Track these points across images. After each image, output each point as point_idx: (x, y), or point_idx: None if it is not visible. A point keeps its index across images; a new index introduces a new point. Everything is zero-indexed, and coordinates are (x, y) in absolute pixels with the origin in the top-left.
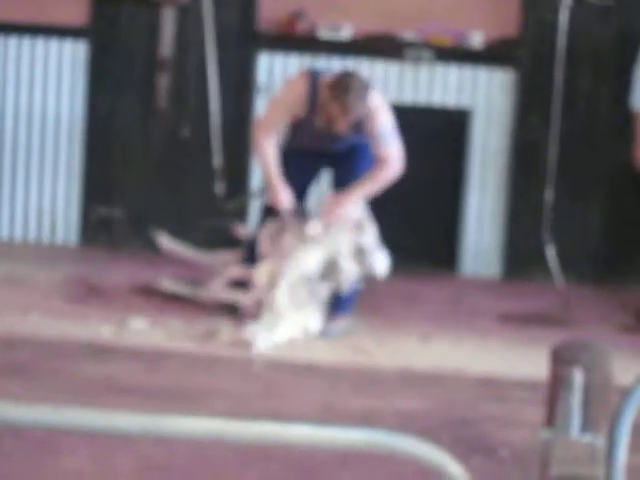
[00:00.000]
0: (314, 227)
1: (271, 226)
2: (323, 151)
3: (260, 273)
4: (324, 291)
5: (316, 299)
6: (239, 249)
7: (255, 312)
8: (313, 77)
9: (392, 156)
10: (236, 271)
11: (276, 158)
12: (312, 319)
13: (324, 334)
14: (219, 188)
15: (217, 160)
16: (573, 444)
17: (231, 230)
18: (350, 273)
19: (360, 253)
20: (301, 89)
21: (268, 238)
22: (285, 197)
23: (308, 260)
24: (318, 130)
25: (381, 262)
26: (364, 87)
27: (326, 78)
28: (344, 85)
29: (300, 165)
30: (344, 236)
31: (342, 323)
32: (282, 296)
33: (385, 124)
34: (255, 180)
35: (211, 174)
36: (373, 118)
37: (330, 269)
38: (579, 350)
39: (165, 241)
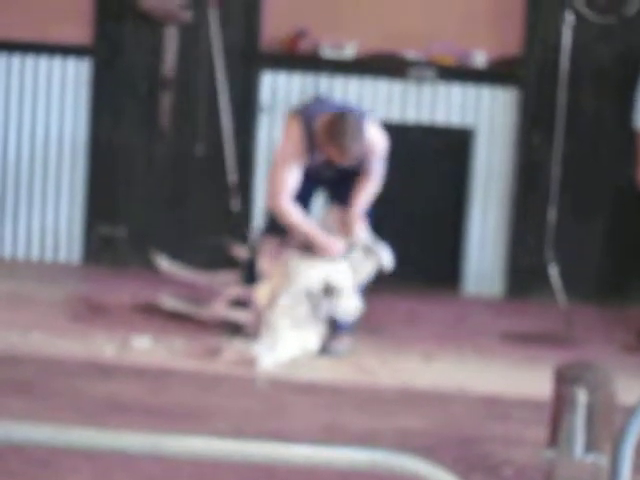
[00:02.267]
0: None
1: (271, 242)
2: (319, 176)
3: (260, 292)
4: (325, 309)
5: (317, 317)
6: (238, 269)
7: (256, 331)
8: (306, 120)
9: (377, 172)
10: (236, 291)
11: (305, 216)
12: (312, 337)
13: (328, 352)
14: (234, 205)
15: (231, 177)
16: (577, 464)
17: (228, 250)
18: (348, 293)
19: (368, 249)
20: (298, 134)
21: (268, 255)
22: (338, 246)
23: (309, 277)
24: (322, 164)
25: (386, 254)
26: (359, 127)
27: (319, 119)
28: (339, 129)
29: (302, 185)
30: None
31: (346, 341)
32: (281, 314)
33: (381, 152)
34: (258, 199)
35: (215, 192)
36: (372, 149)
37: (328, 288)
38: (583, 370)
39: (164, 263)
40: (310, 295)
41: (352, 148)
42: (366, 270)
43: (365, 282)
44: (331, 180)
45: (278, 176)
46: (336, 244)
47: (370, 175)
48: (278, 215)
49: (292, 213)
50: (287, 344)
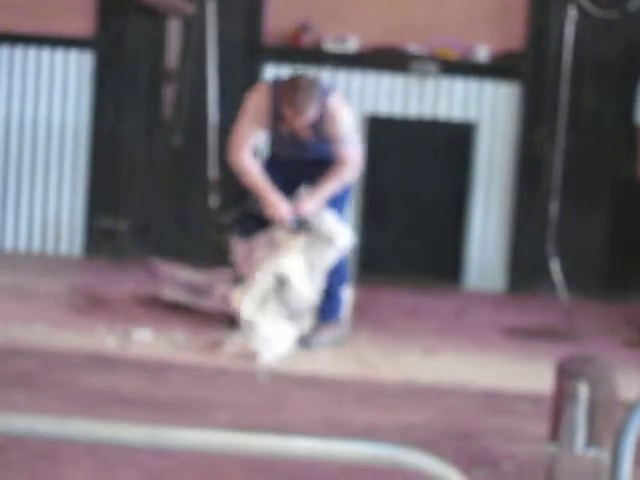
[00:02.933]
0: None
1: (242, 246)
2: (297, 161)
3: (237, 295)
4: (299, 301)
5: (288, 309)
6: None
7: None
8: (273, 86)
9: (351, 157)
10: (223, 289)
11: (259, 170)
12: (286, 329)
13: (308, 344)
14: (213, 201)
15: (212, 172)
16: (578, 458)
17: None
18: (302, 288)
19: (324, 235)
20: (263, 97)
21: (241, 258)
22: (285, 209)
23: (278, 269)
24: (286, 137)
25: (345, 235)
26: (312, 86)
27: (283, 82)
28: (292, 86)
29: (279, 176)
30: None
31: (329, 333)
32: (254, 312)
33: (344, 126)
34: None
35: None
36: (332, 120)
37: (281, 283)
38: (584, 364)
39: (162, 267)
40: (278, 289)
41: (304, 105)
42: (327, 257)
43: (328, 269)
44: (307, 170)
45: (238, 131)
46: (284, 207)
47: (342, 160)
48: (235, 169)
49: (248, 167)
50: (281, 337)
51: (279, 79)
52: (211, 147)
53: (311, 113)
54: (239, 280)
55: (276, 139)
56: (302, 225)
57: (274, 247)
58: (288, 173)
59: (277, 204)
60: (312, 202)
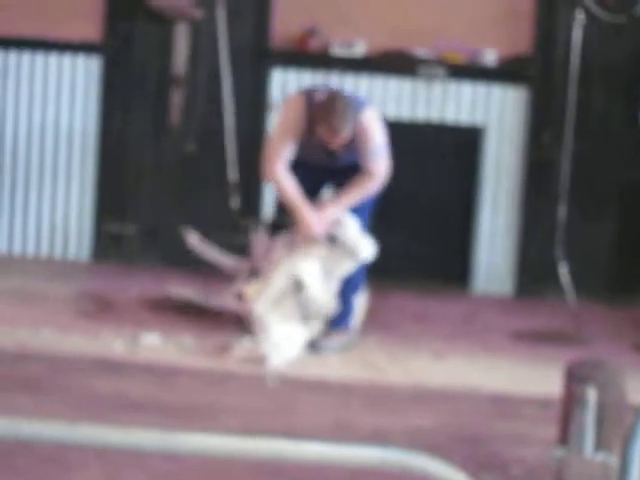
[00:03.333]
0: (366, 249)
1: (262, 242)
2: (325, 167)
3: (251, 291)
4: (315, 306)
5: (304, 312)
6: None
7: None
8: (308, 96)
9: (378, 172)
10: (239, 286)
11: (295, 185)
12: (298, 333)
13: (317, 349)
14: (234, 202)
15: (232, 175)
16: (587, 462)
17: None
18: (316, 292)
19: (346, 246)
20: (299, 109)
21: (259, 254)
22: (317, 224)
23: (293, 270)
24: (317, 147)
25: (367, 248)
26: (349, 107)
27: (318, 98)
28: (329, 107)
29: (304, 179)
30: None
31: (338, 339)
32: (268, 310)
33: (376, 141)
34: (267, 197)
35: (223, 190)
36: (364, 134)
37: (296, 286)
38: (593, 369)
39: (194, 240)
40: (295, 291)
41: (340, 127)
42: (344, 267)
43: (343, 278)
44: (335, 176)
45: (274, 145)
46: (318, 224)
47: (369, 172)
48: (270, 182)
49: (284, 182)
50: (291, 340)
51: (313, 91)
52: (229, 150)
53: (346, 134)
54: (255, 274)
55: (305, 146)
56: (330, 240)
57: (293, 249)
58: (313, 177)
59: (311, 222)
60: (333, 210)
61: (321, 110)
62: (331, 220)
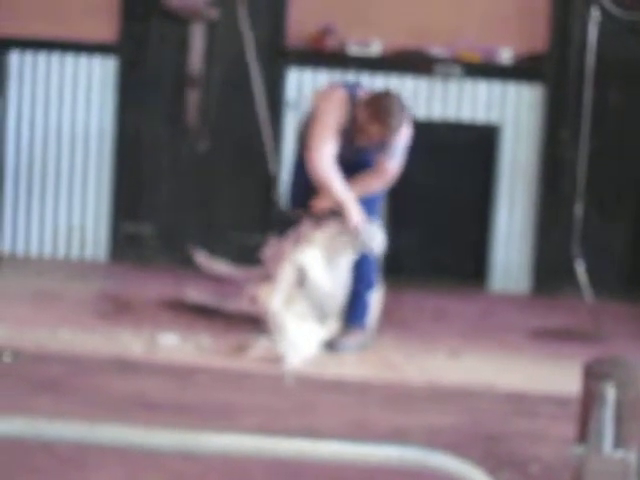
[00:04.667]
0: (377, 243)
1: (273, 243)
2: (343, 163)
3: (264, 292)
4: (320, 295)
5: (321, 311)
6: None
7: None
8: (350, 91)
9: (390, 171)
10: (252, 290)
11: (341, 179)
12: (315, 332)
13: (335, 348)
14: (275, 195)
15: (272, 167)
16: (605, 460)
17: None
18: (320, 280)
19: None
20: (343, 102)
21: (271, 255)
22: (362, 220)
23: (296, 261)
24: (343, 141)
25: (375, 238)
26: (403, 109)
27: (363, 95)
28: (386, 107)
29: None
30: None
31: (355, 338)
32: (281, 311)
33: (402, 143)
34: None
35: (241, 189)
36: (397, 136)
37: (301, 276)
38: (611, 366)
39: (201, 257)
40: (309, 288)
41: (396, 128)
42: (348, 255)
43: (350, 267)
44: (349, 168)
45: (321, 137)
46: (360, 215)
47: (381, 169)
48: (316, 177)
49: (332, 176)
50: (308, 339)
51: (355, 87)
52: (267, 143)
53: (396, 134)
54: (267, 278)
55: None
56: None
57: (299, 242)
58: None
59: (357, 215)
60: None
61: (374, 108)
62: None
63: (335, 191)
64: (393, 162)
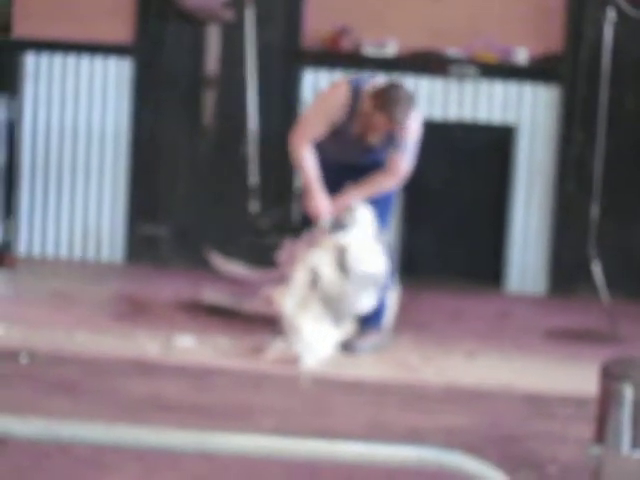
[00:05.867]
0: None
1: (287, 247)
2: (350, 163)
3: (278, 295)
4: (341, 302)
5: (336, 312)
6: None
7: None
8: (355, 85)
9: (401, 169)
10: (267, 291)
11: (315, 165)
12: (331, 333)
13: (351, 349)
14: (253, 206)
15: (253, 179)
16: (624, 460)
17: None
18: (333, 282)
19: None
20: (342, 96)
21: (285, 259)
22: (324, 206)
23: (310, 262)
24: (350, 139)
25: (365, 302)
26: (411, 99)
27: (369, 87)
28: (392, 96)
29: (326, 176)
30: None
31: (371, 339)
32: (290, 306)
33: (412, 138)
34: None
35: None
36: (406, 131)
37: (314, 278)
38: (629, 366)
39: (218, 259)
40: (323, 290)
41: (401, 118)
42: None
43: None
44: (357, 173)
45: (306, 122)
46: (325, 206)
47: (393, 168)
48: (292, 156)
49: (305, 158)
50: (324, 341)
51: (361, 81)
52: (251, 153)
53: (402, 125)
54: (283, 280)
55: (337, 138)
56: (337, 227)
57: (313, 244)
58: (337, 176)
59: (320, 201)
60: (348, 197)
61: (380, 98)
62: (342, 205)
63: (304, 175)
64: (405, 159)
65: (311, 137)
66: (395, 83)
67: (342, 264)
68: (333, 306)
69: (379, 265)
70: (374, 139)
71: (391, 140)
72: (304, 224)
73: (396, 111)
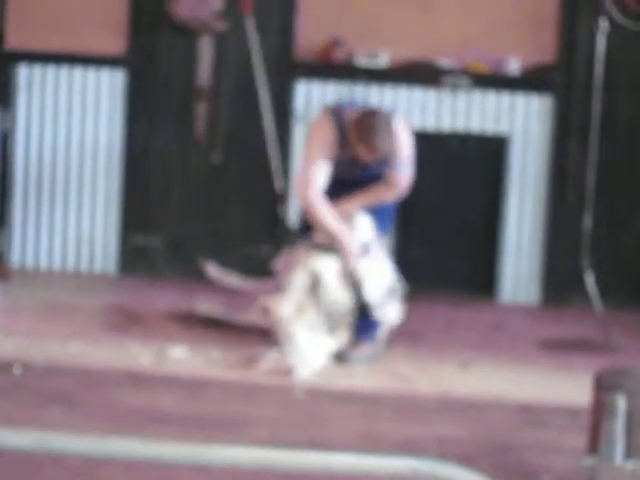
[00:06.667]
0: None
1: (284, 255)
2: (350, 180)
3: (275, 303)
4: (339, 310)
5: (326, 318)
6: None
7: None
8: (336, 116)
9: (400, 183)
10: (264, 301)
11: (331, 210)
12: (325, 343)
13: (345, 359)
14: (281, 211)
15: (279, 184)
16: (617, 470)
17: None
18: (335, 290)
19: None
20: (329, 133)
21: (282, 266)
22: (356, 247)
23: (312, 266)
24: (347, 163)
25: (392, 313)
26: (388, 125)
27: (351, 115)
28: (369, 126)
29: (330, 192)
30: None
31: (365, 350)
32: (291, 322)
33: (405, 151)
34: (295, 207)
35: (250, 202)
36: (396, 146)
37: (315, 283)
38: (622, 376)
39: (212, 269)
40: (322, 294)
41: (381, 146)
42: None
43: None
44: (358, 183)
45: (309, 170)
46: (355, 244)
47: (392, 182)
48: (306, 208)
49: (319, 206)
50: (318, 351)
51: (340, 109)
52: (273, 159)
53: (385, 151)
54: (280, 290)
55: (336, 163)
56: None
57: (312, 249)
58: (337, 189)
59: (350, 243)
60: (347, 206)
61: (359, 130)
62: (343, 213)
63: (328, 227)
64: (403, 173)
65: (317, 182)
66: (370, 111)
67: (353, 285)
68: (330, 312)
69: (389, 278)
70: (365, 159)
71: (384, 158)
72: (302, 231)
73: (376, 141)
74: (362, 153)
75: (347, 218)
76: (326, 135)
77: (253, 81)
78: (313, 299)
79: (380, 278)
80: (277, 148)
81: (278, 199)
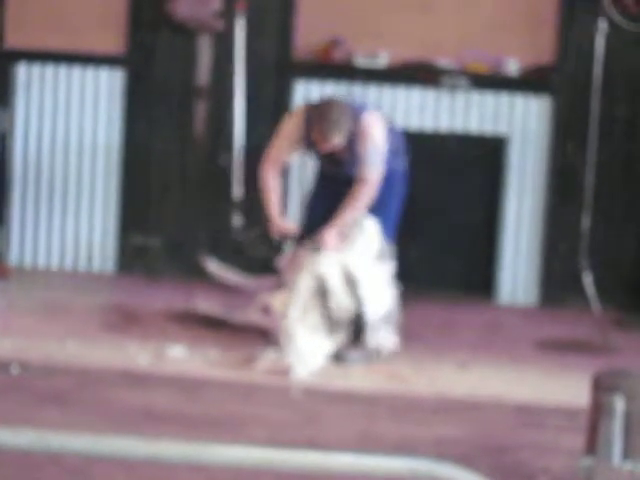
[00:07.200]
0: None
1: (287, 255)
2: (341, 176)
3: (277, 302)
4: (341, 314)
5: (329, 320)
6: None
7: (278, 340)
8: (307, 109)
9: (369, 178)
10: (265, 299)
11: (276, 189)
12: (327, 342)
13: (342, 360)
14: (237, 220)
15: (237, 192)
16: (614, 471)
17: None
18: (341, 295)
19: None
20: (299, 119)
21: (285, 265)
22: (285, 225)
23: (318, 268)
24: (324, 155)
25: (385, 340)
26: (343, 114)
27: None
28: (321, 113)
29: (324, 192)
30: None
31: (363, 351)
32: (294, 323)
33: (371, 146)
34: (292, 207)
35: (246, 201)
36: (363, 140)
37: (320, 286)
38: (620, 378)
39: (213, 266)
40: (320, 293)
41: (330, 133)
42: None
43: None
44: (345, 180)
45: (271, 149)
46: (287, 227)
47: (362, 179)
48: (259, 182)
49: (266, 182)
50: (316, 352)
51: (315, 102)
52: (236, 166)
53: (337, 140)
54: (281, 287)
55: (319, 157)
56: (315, 250)
57: (315, 253)
58: (332, 188)
59: (280, 224)
60: (332, 235)
61: (314, 116)
62: (337, 233)
63: (263, 198)
64: (370, 168)
65: (274, 162)
66: (328, 99)
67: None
68: (332, 318)
69: (388, 303)
70: (339, 153)
71: (354, 150)
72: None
73: (324, 128)
74: (317, 141)
75: (354, 224)
76: (292, 124)
77: (252, 80)
78: (317, 302)
79: (380, 303)
80: (242, 154)
81: (234, 208)
